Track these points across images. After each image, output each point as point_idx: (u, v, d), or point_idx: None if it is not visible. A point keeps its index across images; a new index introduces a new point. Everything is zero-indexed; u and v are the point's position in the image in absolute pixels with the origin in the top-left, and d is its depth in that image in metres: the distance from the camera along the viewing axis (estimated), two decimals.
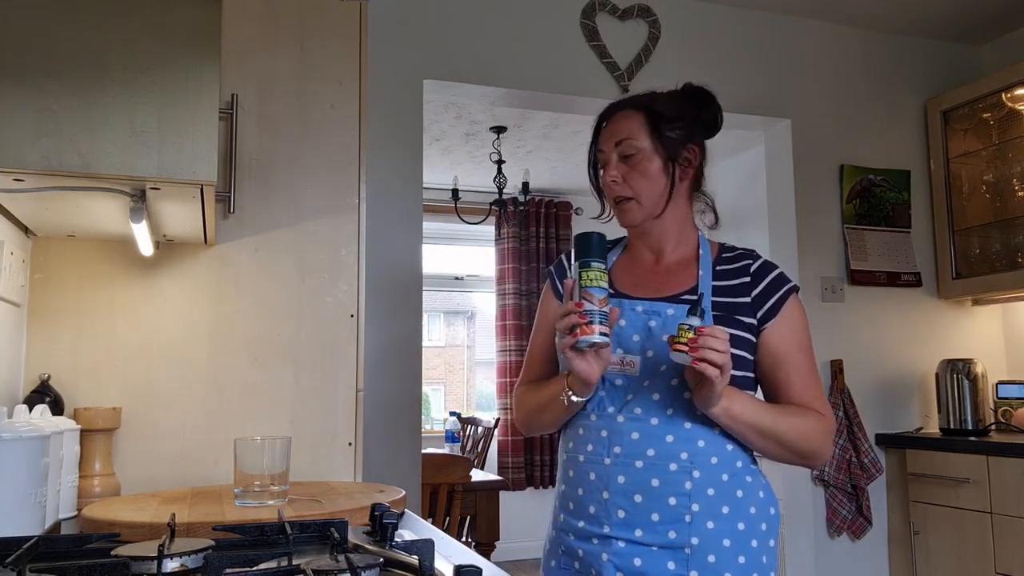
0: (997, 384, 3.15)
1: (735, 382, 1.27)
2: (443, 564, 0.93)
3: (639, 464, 1.25)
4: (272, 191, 1.72)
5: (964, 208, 3.29)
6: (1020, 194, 3.09)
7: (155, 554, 0.87)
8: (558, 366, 1.42)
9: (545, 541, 1.41)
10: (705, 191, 1.43)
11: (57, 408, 1.51)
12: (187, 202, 1.30)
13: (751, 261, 1.37)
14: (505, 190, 4.43)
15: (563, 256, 1.50)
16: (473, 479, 3.26)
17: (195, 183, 1.19)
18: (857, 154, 3.29)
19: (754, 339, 1.32)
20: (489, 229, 5.43)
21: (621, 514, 1.25)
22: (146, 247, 1.51)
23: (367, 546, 0.97)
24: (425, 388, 4.60)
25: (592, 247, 1.22)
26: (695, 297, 1.28)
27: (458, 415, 4.70)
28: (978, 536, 2.75)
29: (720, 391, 1.19)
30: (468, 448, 4.73)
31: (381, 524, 1.03)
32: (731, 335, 1.22)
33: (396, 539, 1.01)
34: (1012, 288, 3.06)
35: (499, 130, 4.29)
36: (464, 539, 3.49)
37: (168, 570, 0.87)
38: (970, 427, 3.00)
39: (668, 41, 3.04)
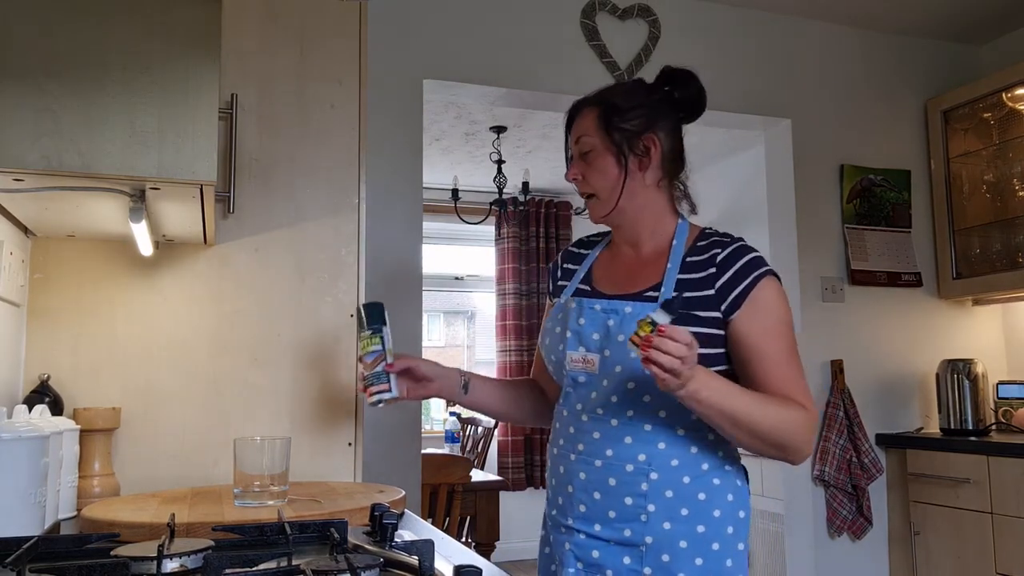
0: (997, 384, 3.15)
1: None
2: (443, 564, 0.93)
3: (598, 463, 1.28)
4: (272, 191, 1.72)
5: (964, 208, 3.29)
6: (1020, 194, 3.09)
7: (155, 554, 0.87)
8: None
9: (543, 522, 1.47)
10: (681, 178, 1.42)
11: (57, 408, 1.51)
12: (187, 202, 1.30)
13: (720, 250, 1.31)
14: (505, 190, 4.43)
15: (560, 254, 1.53)
16: (473, 479, 3.26)
17: (195, 183, 1.19)
18: (857, 154, 3.29)
19: (722, 332, 1.28)
20: (489, 229, 5.43)
21: (582, 508, 1.30)
22: (146, 247, 1.51)
23: (367, 546, 0.97)
24: None
25: (363, 318, 1.42)
26: (656, 293, 1.28)
27: (458, 415, 4.70)
28: (978, 536, 2.75)
29: (674, 390, 1.13)
30: (468, 448, 4.73)
31: (381, 524, 1.03)
32: (693, 333, 1.15)
33: (396, 539, 1.01)
34: (1012, 288, 3.06)
35: (499, 130, 4.29)
36: (464, 539, 3.49)
37: (168, 570, 0.87)
38: (970, 427, 3.00)
39: (668, 41, 3.04)
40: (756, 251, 1.32)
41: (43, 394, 1.51)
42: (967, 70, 3.52)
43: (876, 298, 3.23)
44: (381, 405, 1.40)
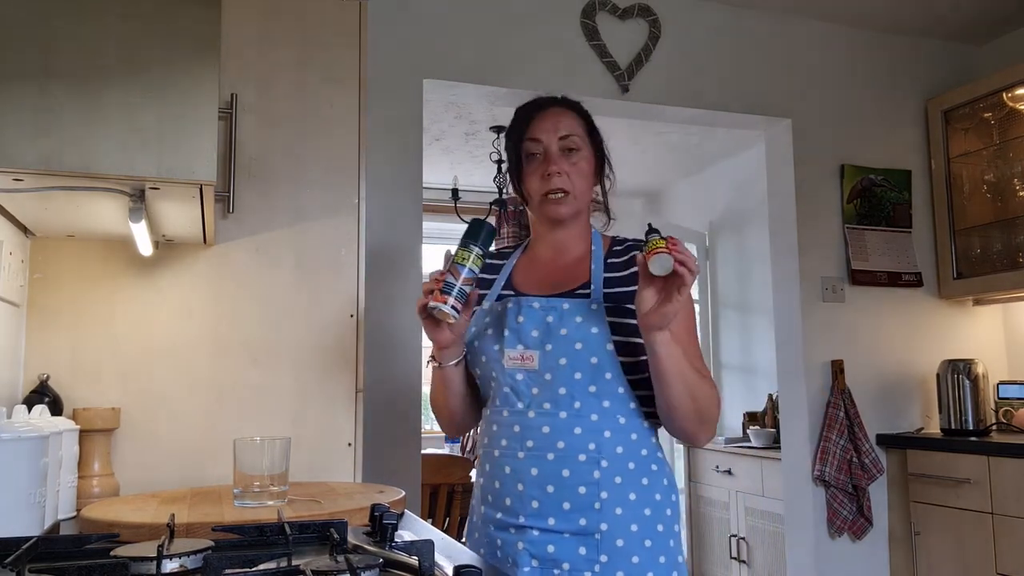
0: (998, 384, 3.14)
1: (629, 369, 1.34)
2: (443, 564, 0.93)
3: (550, 456, 1.31)
4: (272, 191, 1.72)
5: (965, 208, 3.28)
6: (1021, 194, 3.09)
7: (154, 555, 0.86)
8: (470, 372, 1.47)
9: (469, 532, 1.48)
10: (596, 193, 1.50)
11: (56, 408, 1.51)
12: (186, 202, 1.30)
13: (638, 251, 1.38)
14: (505, 190, 4.43)
15: None
16: (473, 479, 3.26)
17: (194, 183, 1.19)
18: (858, 154, 3.29)
19: None
20: None
21: (535, 504, 1.32)
22: (145, 247, 1.51)
23: (367, 547, 0.97)
24: (425, 388, 4.59)
25: (477, 233, 1.32)
26: (587, 291, 1.37)
27: None
28: (979, 537, 2.74)
29: (675, 312, 1.22)
30: (468, 448, 4.73)
31: (381, 525, 1.03)
32: (623, 324, 1.32)
33: (396, 540, 1.01)
34: (1013, 288, 3.06)
35: (499, 130, 4.29)
36: (464, 540, 3.49)
37: (167, 571, 0.87)
38: (971, 427, 3.00)
39: (668, 41, 3.04)
40: None
41: (43, 394, 1.51)
42: (967, 70, 3.52)
43: (877, 298, 3.23)
44: (436, 312, 1.29)
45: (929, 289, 3.32)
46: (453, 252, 1.30)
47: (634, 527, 1.31)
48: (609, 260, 1.42)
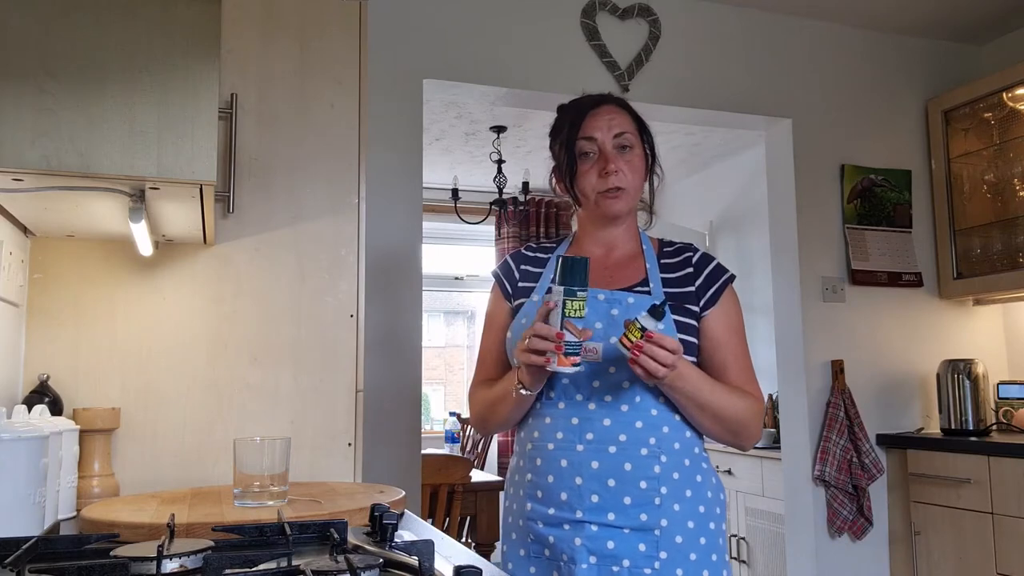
0: (998, 384, 3.14)
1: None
2: (443, 564, 0.93)
3: (612, 449, 1.30)
4: (272, 191, 1.72)
5: (965, 208, 3.28)
6: (1021, 194, 3.09)
7: (154, 555, 0.86)
8: (509, 364, 1.45)
9: (508, 531, 1.42)
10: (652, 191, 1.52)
11: (56, 408, 1.51)
12: (186, 202, 1.30)
13: (691, 254, 1.45)
14: (505, 190, 4.43)
15: (508, 258, 1.53)
16: (473, 479, 3.26)
17: (194, 183, 1.19)
18: (858, 154, 3.29)
19: (698, 325, 1.39)
20: (489, 229, 5.42)
21: (595, 499, 1.30)
22: (145, 247, 1.51)
23: (367, 547, 0.97)
24: (425, 388, 4.60)
25: (579, 272, 1.20)
26: (647, 288, 1.37)
27: (458, 415, 4.70)
28: (979, 537, 2.74)
29: (657, 383, 1.25)
30: (468, 448, 4.73)
31: (381, 525, 1.03)
32: (681, 322, 1.35)
33: (396, 540, 1.00)
34: (1013, 288, 3.06)
35: (499, 130, 4.29)
36: (464, 540, 3.49)
37: (167, 571, 0.87)
38: (971, 427, 3.00)
39: (668, 41, 3.04)
40: (716, 258, 1.48)
41: (43, 394, 1.51)
42: (967, 70, 3.52)
43: (877, 298, 3.23)
44: (560, 373, 1.23)
45: (929, 289, 3.32)
46: (559, 300, 1.19)
47: (690, 524, 1.30)
48: (662, 261, 1.44)
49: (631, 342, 1.20)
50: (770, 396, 4.08)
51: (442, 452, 3.89)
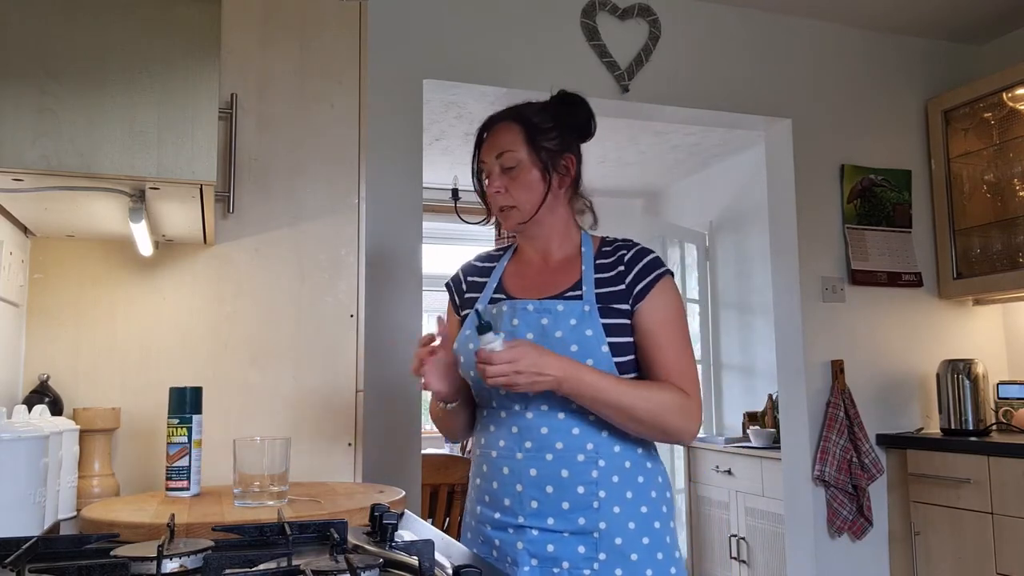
0: (998, 384, 3.14)
1: (622, 368, 1.35)
2: (443, 564, 0.93)
3: (549, 457, 1.33)
4: (272, 191, 1.72)
5: (965, 208, 3.28)
6: (1021, 194, 3.09)
7: (154, 554, 0.86)
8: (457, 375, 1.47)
9: (464, 531, 1.47)
10: (583, 193, 1.51)
11: (56, 408, 1.51)
12: (186, 202, 1.30)
13: (626, 251, 1.43)
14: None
15: (459, 269, 1.60)
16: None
17: (194, 183, 1.19)
18: (858, 154, 3.29)
19: (630, 322, 1.38)
20: (489, 229, 5.42)
21: (534, 504, 1.33)
22: (145, 247, 1.51)
23: (367, 547, 0.97)
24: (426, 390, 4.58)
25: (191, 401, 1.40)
26: (579, 292, 1.38)
27: None
28: (979, 537, 2.74)
29: (524, 389, 1.26)
30: (468, 448, 4.72)
31: (381, 524, 1.03)
32: (610, 324, 1.35)
33: (396, 540, 1.00)
34: (1013, 288, 3.06)
35: None
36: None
37: (167, 571, 0.87)
38: (971, 427, 3.00)
39: (668, 41, 3.04)
40: (655, 252, 1.45)
41: (43, 394, 1.51)
42: (967, 70, 3.52)
43: (877, 298, 3.23)
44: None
45: (929, 289, 3.32)
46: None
47: (631, 525, 1.32)
48: (598, 261, 1.43)
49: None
50: (770, 396, 4.08)
51: (442, 452, 3.89)
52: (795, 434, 3.13)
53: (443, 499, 3.07)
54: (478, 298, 1.49)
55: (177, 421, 1.38)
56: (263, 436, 1.42)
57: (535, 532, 1.32)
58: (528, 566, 1.32)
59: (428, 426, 5.45)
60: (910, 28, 3.37)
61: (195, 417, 1.39)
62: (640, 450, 1.38)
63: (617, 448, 1.34)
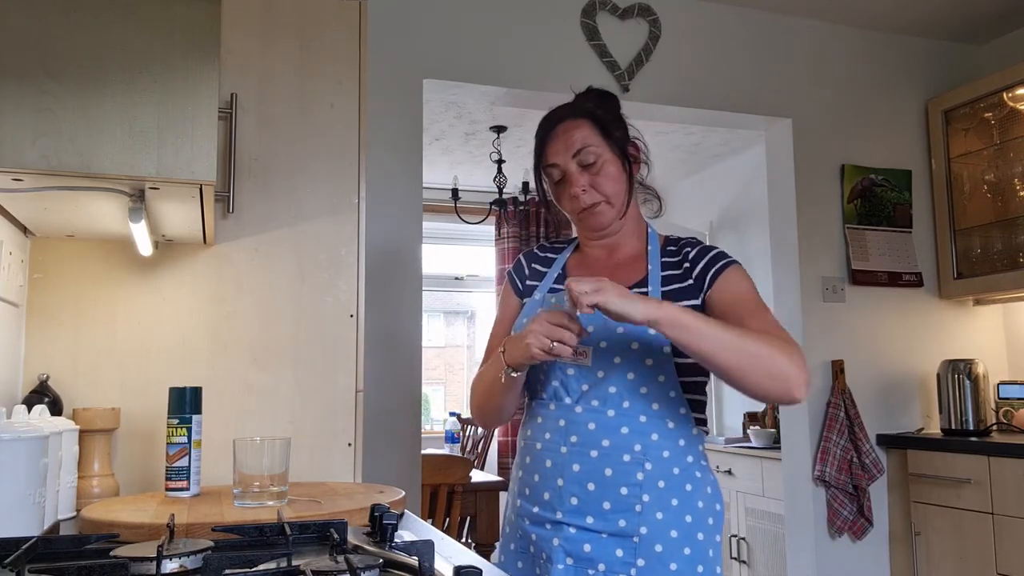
0: (998, 384, 3.14)
1: (683, 370, 1.30)
2: (443, 565, 0.93)
3: (594, 454, 1.29)
4: (272, 191, 1.72)
5: (965, 208, 3.28)
6: (1021, 194, 3.09)
7: (154, 555, 0.86)
8: None
9: (503, 524, 1.45)
10: (643, 181, 1.48)
11: (56, 408, 1.51)
12: (186, 202, 1.30)
13: (690, 248, 1.41)
14: (505, 190, 4.43)
15: (521, 256, 1.55)
16: (473, 480, 3.26)
17: (194, 183, 1.19)
18: (858, 154, 3.29)
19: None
20: (489, 229, 5.42)
21: (574, 501, 1.29)
22: (145, 247, 1.51)
23: (367, 547, 0.97)
24: (425, 388, 4.60)
25: (191, 401, 1.40)
26: (645, 289, 1.35)
27: (458, 415, 4.70)
28: (979, 537, 2.74)
29: (618, 307, 1.17)
30: (468, 449, 4.73)
31: (381, 525, 1.03)
32: None
33: (396, 540, 1.00)
34: (1013, 288, 3.06)
35: (499, 130, 4.29)
36: (464, 540, 3.49)
37: (167, 571, 0.86)
38: (971, 427, 3.00)
39: (668, 40, 3.04)
40: (718, 247, 1.43)
41: (42, 394, 1.51)
42: (967, 70, 3.52)
43: (877, 298, 3.23)
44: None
45: (929, 289, 3.32)
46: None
47: (674, 533, 1.27)
48: (664, 259, 1.40)
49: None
50: None
51: (442, 452, 3.88)
52: (795, 434, 3.12)
53: (443, 499, 3.07)
54: (538, 286, 1.46)
55: (177, 421, 1.38)
56: (263, 436, 1.42)
57: (572, 530, 1.29)
58: (563, 564, 1.29)
59: (428, 426, 5.46)
60: (910, 28, 3.37)
61: (195, 417, 1.39)
62: (690, 458, 1.32)
63: (666, 453, 1.30)
